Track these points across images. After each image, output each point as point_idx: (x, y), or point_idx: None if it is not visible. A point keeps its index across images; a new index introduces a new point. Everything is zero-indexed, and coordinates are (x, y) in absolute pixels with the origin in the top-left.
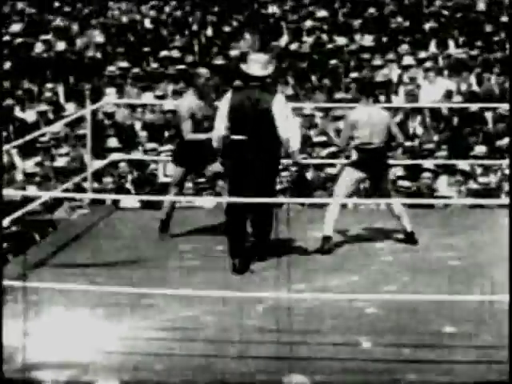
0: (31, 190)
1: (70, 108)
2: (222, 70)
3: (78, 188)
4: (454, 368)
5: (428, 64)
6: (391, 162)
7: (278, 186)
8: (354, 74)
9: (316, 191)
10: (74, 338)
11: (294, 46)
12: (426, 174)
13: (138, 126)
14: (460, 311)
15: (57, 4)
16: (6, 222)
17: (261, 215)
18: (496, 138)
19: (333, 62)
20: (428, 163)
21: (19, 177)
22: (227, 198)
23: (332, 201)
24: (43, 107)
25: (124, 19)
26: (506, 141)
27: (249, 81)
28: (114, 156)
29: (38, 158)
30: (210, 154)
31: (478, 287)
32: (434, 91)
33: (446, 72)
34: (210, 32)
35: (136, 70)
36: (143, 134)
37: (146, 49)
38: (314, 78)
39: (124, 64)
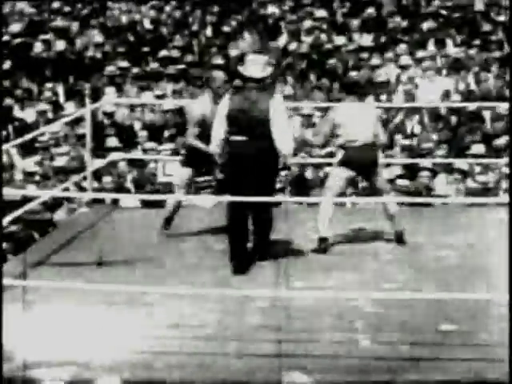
0: (31, 190)
1: (70, 107)
2: (222, 70)
3: (78, 187)
4: (453, 366)
5: (426, 63)
6: (388, 160)
7: (277, 185)
8: (352, 74)
9: (314, 190)
10: (74, 336)
11: (292, 46)
12: (424, 173)
13: (137, 125)
14: (459, 309)
15: (56, 4)
16: (5, 221)
17: (261, 215)
18: (494, 137)
19: (331, 61)
20: (426, 162)
21: (19, 176)
22: (227, 197)
23: (322, 200)
24: (43, 107)
25: (124, 19)
26: (503, 140)
27: (247, 82)
28: (114, 155)
29: (38, 158)
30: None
31: (476, 285)
32: (432, 90)
33: (444, 71)
34: (209, 32)
35: (136, 69)
36: (143, 134)
37: (145, 48)
38: (312, 77)
39: (124, 64)
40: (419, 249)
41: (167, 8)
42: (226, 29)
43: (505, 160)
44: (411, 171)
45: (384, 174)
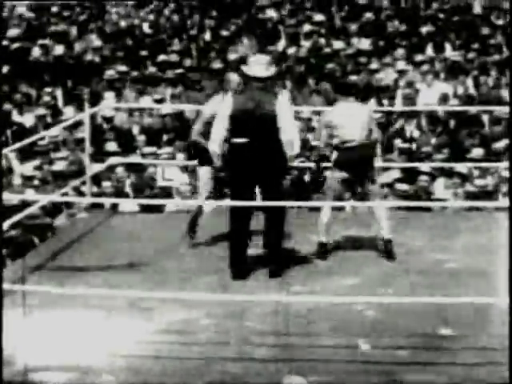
0: (29, 194)
1: (69, 112)
2: (220, 74)
3: (77, 192)
4: (453, 370)
5: (425, 67)
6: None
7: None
8: (351, 78)
9: (314, 194)
10: (74, 340)
11: (291, 50)
12: (423, 177)
13: (136, 129)
14: (458, 314)
15: (55, 8)
16: (4, 225)
17: (272, 222)
18: (493, 141)
19: (330, 65)
20: (425, 166)
21: (17, 181)
22: (227, 202)
23: (321, 204)
24: (41, 111)
25: (122, 23)
26: (502, 143)
27: (250, 82)
28: (113, 160)
29: (37, 162)
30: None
31: (475, 289)
32: (431, 94)
33: (442, 75)
34: (208, 36)
35: (134, 73)
36: (141, 138)
37: (144, 53)
38: (311, 81)
39: (122, 68)
40: (418, 253)
41: (166, 12)
42: (224, 33)
43: (504, 164)
44: (410, 175)
45: (383, 177)
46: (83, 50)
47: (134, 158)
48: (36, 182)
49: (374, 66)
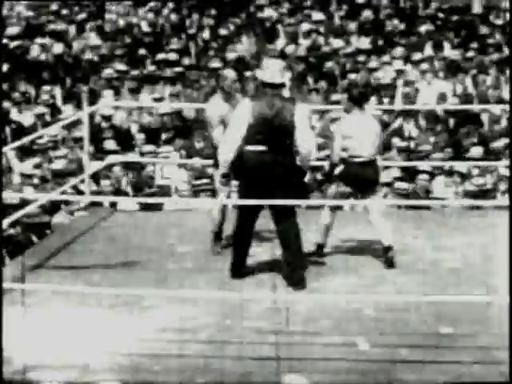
0: (28, 192)
1: (68, 110)
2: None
3: (76, 190)
4: (452, 369)
5: (424, 66)
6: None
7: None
8: (350, 76)
9: (312, 193)
10: (73, 339)
11: (290, 49)
12: (423, 176)
13: (135, 128)
14: (458, 312)
15: (54, 7)
16: (3, 224)
17: (286, 236)
18: (492, 139)
19: (329, 64)
20: (425, 165)
21: (16, 179)
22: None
23: (320, 204)
24: (40, 110)
25: (121, 22)
26: (502, 142)
27: (266, 88)
28: (112, 158)
29: (36, 160)
30: None
31: (475, 288)
32: (430, 93)
33: (441, 74)
34: (206, 35)
35: (133, 72)
36: (140, 137)
37: (142, 51)
38: (310, 80)
39: (121, 66)
40: (418, 251)
41: (165, 11)
42: (223, 32)
43: (504, 162)
44: (409, 173)
45: (382, 176)
46: (82, 49)
47: (133, 157)
48: (35, 181)
49: (372, 64)
